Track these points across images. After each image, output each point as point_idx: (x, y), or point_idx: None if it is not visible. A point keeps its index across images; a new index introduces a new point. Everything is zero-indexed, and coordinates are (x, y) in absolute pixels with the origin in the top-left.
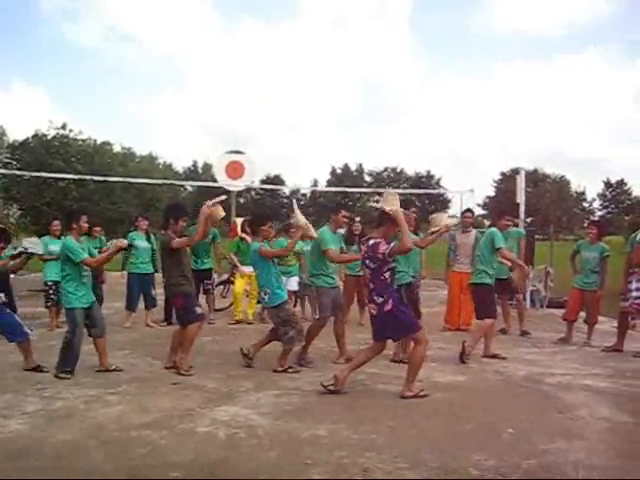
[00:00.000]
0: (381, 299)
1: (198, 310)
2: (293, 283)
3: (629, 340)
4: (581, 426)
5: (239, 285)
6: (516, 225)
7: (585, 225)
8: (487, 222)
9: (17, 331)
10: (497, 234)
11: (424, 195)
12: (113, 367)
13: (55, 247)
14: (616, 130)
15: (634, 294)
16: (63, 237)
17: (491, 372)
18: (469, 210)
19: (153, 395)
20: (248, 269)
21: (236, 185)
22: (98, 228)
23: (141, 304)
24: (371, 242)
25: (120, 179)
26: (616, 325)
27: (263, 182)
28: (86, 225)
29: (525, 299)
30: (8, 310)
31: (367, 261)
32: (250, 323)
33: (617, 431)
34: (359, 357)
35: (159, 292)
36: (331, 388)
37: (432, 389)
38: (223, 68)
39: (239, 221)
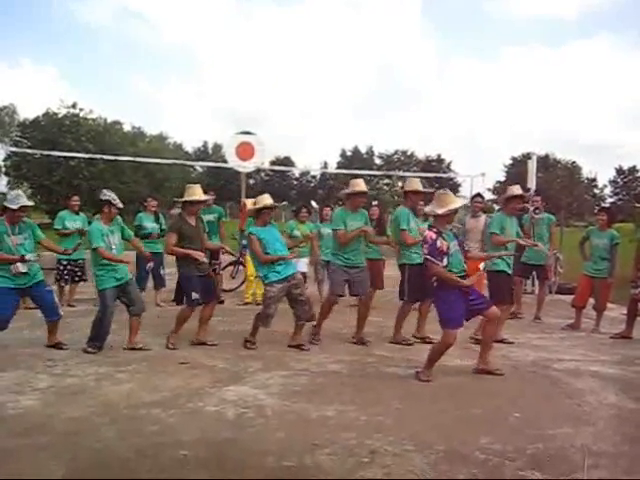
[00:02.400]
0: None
1: (193, 295)
2: (302, 265)
3: (638, 327)
4: (588, 412)
5: (251, 267)
6: (542, 208)
7: (595, 211)
8: (497, 207)
9: (55, 310)
10: (494, 219)
11: (434, 179)
12: (140, 346)
13: (73, 223)
14: (630, 116)
15: None
16: (82, 213)
17: (499, 357)
18: (479, 195)
19: (162, 374)
20: None
21: (246, 166)
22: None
23: (150, 283)
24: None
25: (130, 158)
26: (625, 312)
27: (273, 163)
28: (77, 204)
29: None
30: (48, 288)
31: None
32: (259, 304)
33: (624, 417)
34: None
35: (168, 271)
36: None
37: (440, 373)
38: (235, 50)
39: (249, 202)
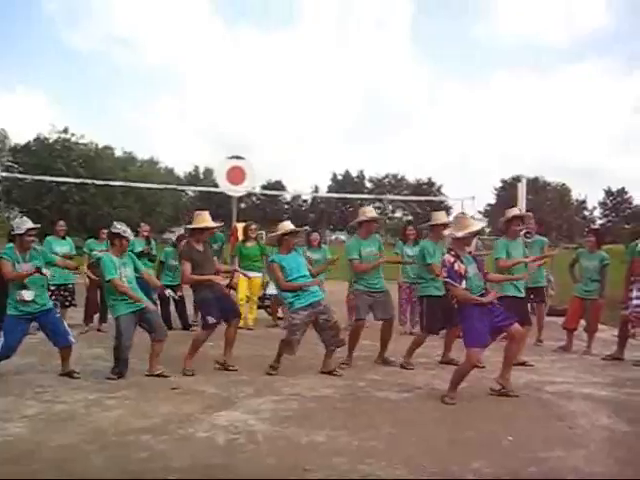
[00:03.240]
0: None
1: (210, 320)
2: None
3: (629, 349)
4: (580, 434)
5: (241, 291)
6: (535, 231)
7: (584, 233)
8: (487, 229)
9: (66, 336)
10: (498, 244)
11: (425, 202)
12: (158, 372)
13: (60, 248)
14: (617, 140)
15: (634, 302)
16: (69, 238)
17: (490, 380)
18: (464, 214)
19: (153, 400)
20: (251, 274)
21: (237, 190)
22: (105, 231)
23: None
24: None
25: (121, 183)
26: (617, 334)
27: (264, 188)
28: (63, 229)
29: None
30: (58, 314)
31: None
32: (250, 329)
33: (616, 440)
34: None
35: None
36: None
37: (432, 396)
38: (224, 75)
39: (240, 226)
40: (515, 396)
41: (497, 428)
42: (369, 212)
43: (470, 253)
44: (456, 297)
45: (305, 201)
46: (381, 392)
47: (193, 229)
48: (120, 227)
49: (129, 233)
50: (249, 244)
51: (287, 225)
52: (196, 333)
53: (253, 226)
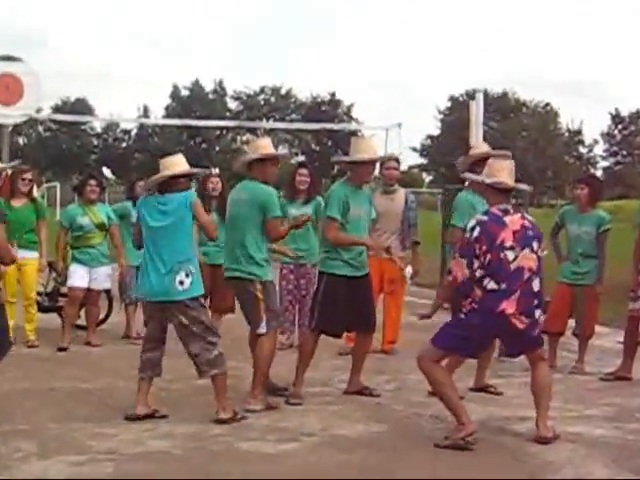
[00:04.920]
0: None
1: None
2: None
3: None
4: None
5: (10, 283)
6: None
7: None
8: (428, 177)
9: None
10: (459, 203)
11: (326, 133)
12: None
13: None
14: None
15: None
16: None
17: (426, 418)
18: (395, 159)
19: None
20: (22, 253)
21: (9, 115)
22: None
23: None
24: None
25: None
26: (622, 339)
27: (57, 110)
28: None
29: None
30: None
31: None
32: (33, 346)
33: None
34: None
35: None
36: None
37: (330, 447)
38: None
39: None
40: (463, 447)
41: None
42: (369, 148)
43: None
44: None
45: (128, 132)
46: (247, 442)
47: None
48: None
49: None
50: (17, 202)
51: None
52: None
53: (26, 174)
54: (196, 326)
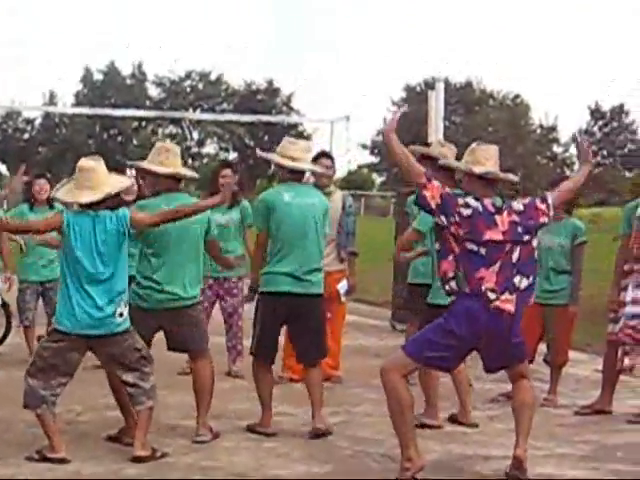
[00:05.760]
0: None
1: None
2: None
3: (622, 392)
4: None
5: None
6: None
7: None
8: (379, 178)
9: None
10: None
11: (259, 125)
12: None
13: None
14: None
15: (629, 310)
16: None
17: (376, 456)
18: (324, 154)
19: None
20: None
21: None
22: None
23: None
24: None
25: None
26: (601, 367)
27: None
28: None
29: None
30: None
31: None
32: None
33: None
34: None
35: None
36: None
37: None
38: None
39: None
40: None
41: None
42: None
43: None
44: None
45: (30, 122)
46: None
47: None
48: None
49: None
50: None
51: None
52: None
53: None
54: (131, 355)
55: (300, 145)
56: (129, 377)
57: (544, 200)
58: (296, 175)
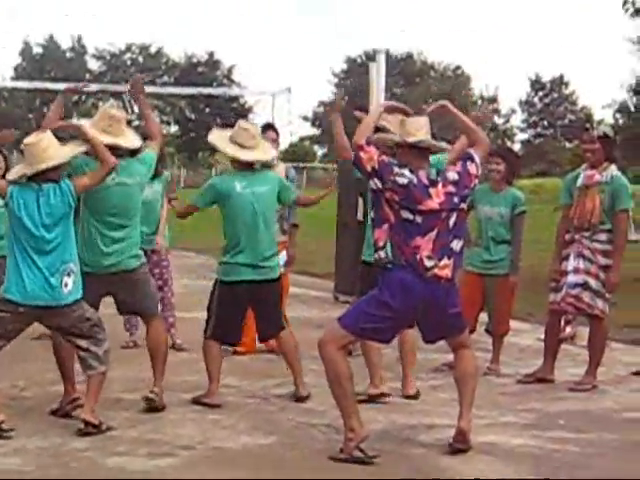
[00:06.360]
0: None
1: None
2: None
3: (564, 361)
4: None
5: None
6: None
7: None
8: (320, 150)
9: None
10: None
11: (201, 98)
12: None
13: None
14: None
15: (571, 279)
16: None
17: (320, 427)
18: (270, 126)
19: None
20: None
21: None
22: None
23: None
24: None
25: None
26: (543, 336)
27: None
28: None
29: None
30: None
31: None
32: None
33: None
34: None
35: None
36: None
37: (210, 462)
38: None
39: None
40: (363, 460)
41: None
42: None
43: None
44: None
45: None
46: (112, 458)
47: None
48: None
49: None
50: None
51: None
52: None
53: None
54: (82, 325)
55: (251, 131)
56: (82, 342)
57: (472, 159)
58: (249, 164)
